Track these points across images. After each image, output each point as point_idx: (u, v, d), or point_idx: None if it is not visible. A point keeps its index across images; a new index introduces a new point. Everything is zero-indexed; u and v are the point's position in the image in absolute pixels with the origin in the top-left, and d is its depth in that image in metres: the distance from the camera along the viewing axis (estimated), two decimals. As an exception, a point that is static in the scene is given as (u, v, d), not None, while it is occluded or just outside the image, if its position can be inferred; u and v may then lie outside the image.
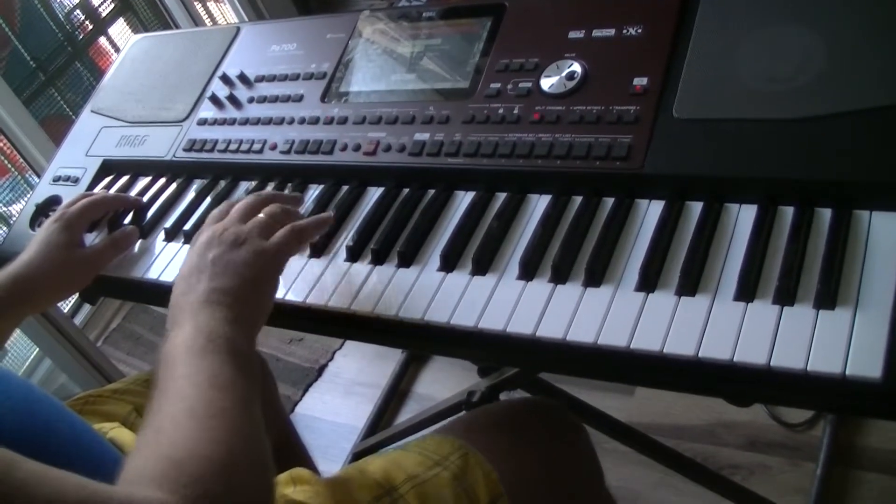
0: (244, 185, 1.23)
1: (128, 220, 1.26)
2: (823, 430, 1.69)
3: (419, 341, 0.97)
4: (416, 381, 2.23)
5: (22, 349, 2.54)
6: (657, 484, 1.74)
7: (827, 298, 0.75)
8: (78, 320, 2.68)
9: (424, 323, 0.91)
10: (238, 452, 0.66)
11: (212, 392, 0.71)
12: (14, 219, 2.44)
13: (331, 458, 2.06)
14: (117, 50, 2.95)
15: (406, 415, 2.15)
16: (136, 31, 3.08)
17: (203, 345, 0.76)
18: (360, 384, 2.31)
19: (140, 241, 1.21)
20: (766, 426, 1.75)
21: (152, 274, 1.15)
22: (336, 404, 2.29)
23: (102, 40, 3.00)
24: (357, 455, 2.06)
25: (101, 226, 1.25)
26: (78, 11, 2.91)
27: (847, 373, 0.70)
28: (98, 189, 1.34)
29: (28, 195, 2.53)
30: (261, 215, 0.93)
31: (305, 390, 2.35)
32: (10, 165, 2.64)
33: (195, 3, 3.26)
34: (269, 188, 1.19)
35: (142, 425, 0.70)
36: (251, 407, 0.73)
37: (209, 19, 3.35)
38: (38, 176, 2.51)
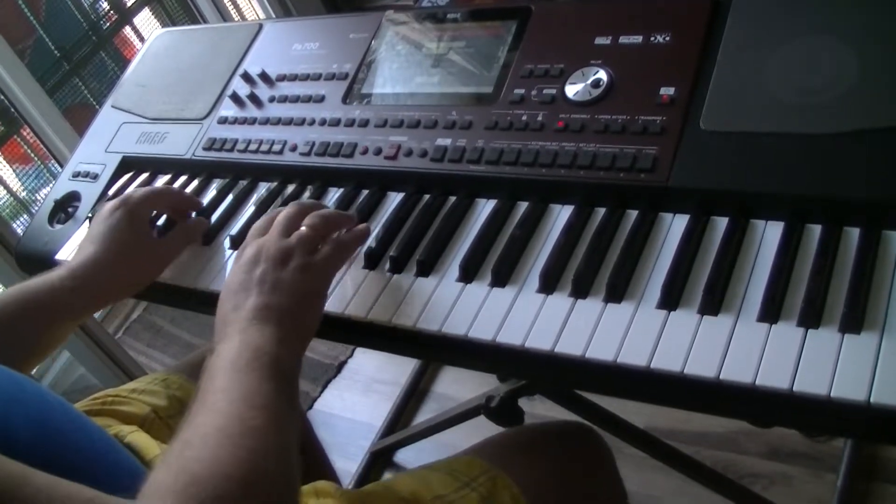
0: (264, 186, 1.22)
1: None
2: (845, 441, 1.67)
3: (436, 353, 0.95)
4: (436, 381, 2.23)
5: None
6: (676, 491, 1.72)
7: (853, 323, 0.73)
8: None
9: (441, 335, 0.89)
10: (263, 473, 0.65)
11: (246, 410, 0.70)
12: (36, 207, 2.46)
13: (348, 457, 2.06)
14: (142, 40, 2.95)
15: (425, 414, 2.15)
16: (161, 21, 3.08)
17: (248, 361, 0.76)
18: (379, 382, 2.30)
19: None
20: (788, 436, 1.74)
21: (168, 274, 1.13)
22: (354, 402, 2.29)
23: (127, 30, 3.01)
24: (374, 454, 2.06)
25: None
26: (103, 1, 2.91)
27: (871, 400, 0.68)
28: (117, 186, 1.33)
29: (50, 184, 2.54)
30: (303, 228, 0.92)
31: (324, 387, 2.35)
32: (33, 154, 2.65)
33: (222, -4, 3.26)
34: (289, 190, 1.18)
35: (175, 434, 0.69)
36: (286, 428, 0.72)
37: (235, 11, 3.34)
38: (61, 165, 2.52)
